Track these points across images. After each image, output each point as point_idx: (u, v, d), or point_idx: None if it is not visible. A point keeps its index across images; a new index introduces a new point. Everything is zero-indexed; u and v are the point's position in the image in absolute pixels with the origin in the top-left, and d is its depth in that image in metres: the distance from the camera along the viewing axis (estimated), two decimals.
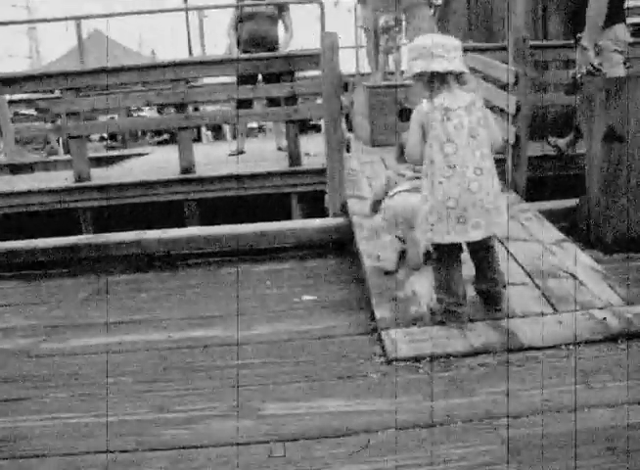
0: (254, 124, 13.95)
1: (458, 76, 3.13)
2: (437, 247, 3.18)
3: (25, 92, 7.62)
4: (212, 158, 7.49)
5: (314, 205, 6.91)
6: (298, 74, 8.60)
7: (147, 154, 9.23)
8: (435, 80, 3.08)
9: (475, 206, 3.06)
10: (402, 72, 9.10)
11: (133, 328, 3.70)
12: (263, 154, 7.47)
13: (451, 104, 3.07)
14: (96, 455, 2.41)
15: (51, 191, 6.16)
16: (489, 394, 2.64)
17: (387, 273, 3.88)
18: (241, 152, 7.60)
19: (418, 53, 3.05)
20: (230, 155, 7.48)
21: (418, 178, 4.04)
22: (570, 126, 5.89)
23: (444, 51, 3.04)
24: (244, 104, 6.89)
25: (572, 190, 4.99)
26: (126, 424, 2.61)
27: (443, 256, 3.19)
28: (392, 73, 9.48)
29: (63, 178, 6.62)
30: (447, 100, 3.07)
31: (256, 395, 2.77)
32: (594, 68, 5.03)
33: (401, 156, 4.15)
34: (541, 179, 5.63)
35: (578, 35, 5.23)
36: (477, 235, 3.11)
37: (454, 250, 3.20)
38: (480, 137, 3.10)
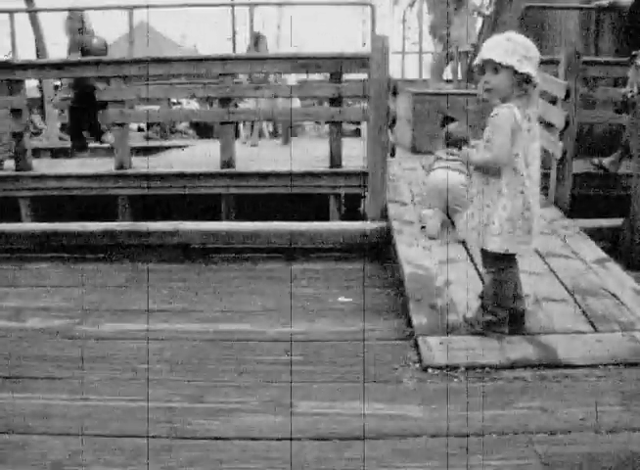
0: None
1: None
2: (504, 257, 3.11)
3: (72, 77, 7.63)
4: (252, 154, 7.50)
5: (350, 207, 6.90)
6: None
7: (187, 146, 9.27)
8: (527, 87, 2.95)
9: (537, 218, 3.11)
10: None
11: (169, 317, 3.72)
12: (303, 153, 7.46)
13: (532, 114, 2.99)
14: (126, 439, 2.43)
15: (93, 176, 6.22)
16: (525, 408, 2.60)
17: (430, 239, 4.51)
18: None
19: (533, 54, 2.93)
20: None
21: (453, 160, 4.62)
22: (616, 145, 5.80)
23: None
24: None
25: (617, 209, 4.91)
26: (159, 411, 2.62)
27: (508, 267, 3.14)
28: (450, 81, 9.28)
29: (101, 164, 6.68)
30: (529, 109, 2.98)
31: (290, 392, 2.76)
32: None
33: (445, 142, 4.83)
34: (585, 197, 5.55)
35: (634, 53, 5.15)
36: (535, 245, 3.24)
37: (516, 262, 3.19)
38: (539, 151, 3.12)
